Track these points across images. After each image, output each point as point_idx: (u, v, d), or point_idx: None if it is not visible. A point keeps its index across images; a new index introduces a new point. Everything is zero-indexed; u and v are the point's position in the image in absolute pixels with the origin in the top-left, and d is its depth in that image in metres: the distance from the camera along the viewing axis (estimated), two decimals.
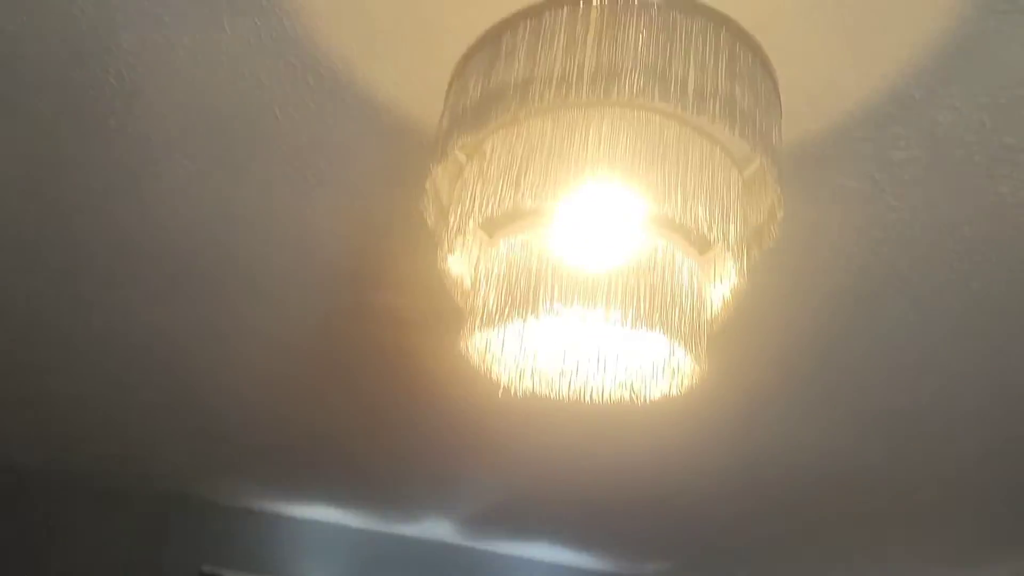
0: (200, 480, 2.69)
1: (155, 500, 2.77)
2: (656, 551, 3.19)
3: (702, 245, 0.87)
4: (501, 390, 0.89)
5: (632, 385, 0.89)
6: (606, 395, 0.89)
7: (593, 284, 0.84)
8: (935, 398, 1.86)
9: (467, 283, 0.90)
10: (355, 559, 2.95)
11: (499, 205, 0.79)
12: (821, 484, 2.36)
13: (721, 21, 0.82)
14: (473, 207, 0.79)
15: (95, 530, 2.68)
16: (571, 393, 0.89)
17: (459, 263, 0.88)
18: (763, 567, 3.19)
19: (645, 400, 0.89)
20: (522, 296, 0.83)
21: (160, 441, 2.44)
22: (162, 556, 2.74)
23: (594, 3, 0.80)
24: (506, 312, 0.82)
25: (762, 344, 1.70)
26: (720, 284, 0.89)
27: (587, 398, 0.89)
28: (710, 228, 0.80)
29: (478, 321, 0.84)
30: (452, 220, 0.82)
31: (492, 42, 0.82)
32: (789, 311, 1.59)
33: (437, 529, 3.00)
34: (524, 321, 0.85)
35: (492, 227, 0.86)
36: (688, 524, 2.83)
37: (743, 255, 0.83)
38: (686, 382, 0.89)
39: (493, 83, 0.79)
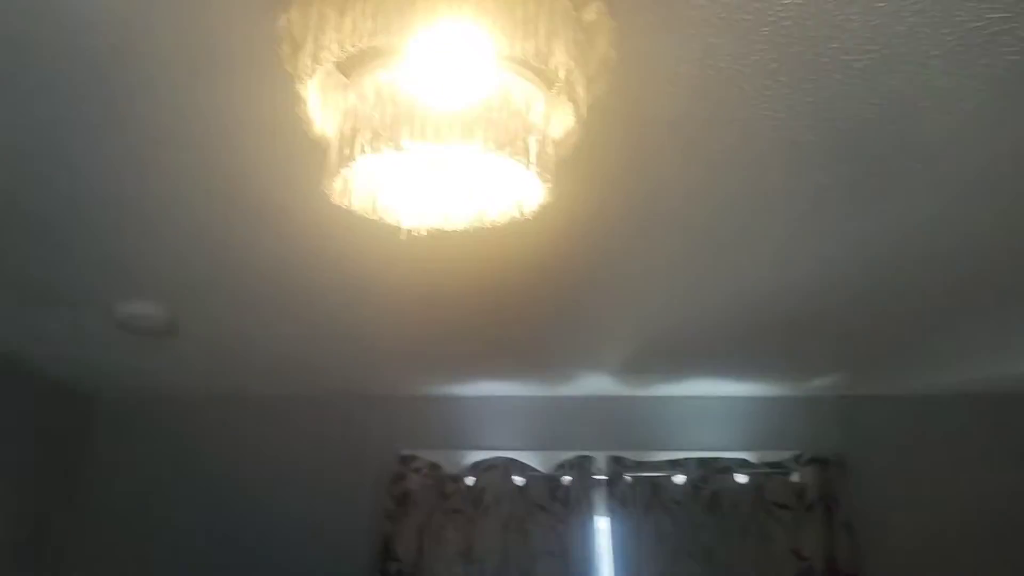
0: (388, 379, 3.23)
1: (356, 400, 3.38)
2: (821, 365, 3.04)
3: (548, 80, 0.93)
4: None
5: (484, 213, 0.93)
6: (462, 223, 0.93)
7: (448, 118, 0.90)
8: None
9: (324, 121, 0.95)
10: (529, 424, 3.35)
11: (353, 41, 0.87)
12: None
13: None
14: (327, 42, 0.87)
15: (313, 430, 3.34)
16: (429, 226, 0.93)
17: (315, 101, 0.94)
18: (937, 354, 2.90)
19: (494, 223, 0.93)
20: (382, 131, 0.89)
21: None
22: (366, 445, 3.29)
23: None
24: (367, 146, 0.89)
25: None
26: (566, 114, 0.95)
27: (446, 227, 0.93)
28: (554, 65, 0.87)
29: (339, 158, 0.90)
30: (306, 55, 0.89)
31: None
32: None
33: (596, 385, 3.24)
34: (383, 153, 0.90)
35: (347, 67, 0.94)
36: (849, 332, 2.66)
37: (583, 88, 0.90)
38: (534, 205, 0.93)
39: None
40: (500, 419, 3.39)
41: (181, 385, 3.29)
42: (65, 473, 3.25)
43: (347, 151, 0.90)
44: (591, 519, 3.08)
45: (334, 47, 0.88)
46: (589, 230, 1.93)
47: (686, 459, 3.11)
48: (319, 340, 2.79)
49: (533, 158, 0.89)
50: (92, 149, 1.62)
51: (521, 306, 2.48)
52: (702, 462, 3.09)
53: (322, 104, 0.95)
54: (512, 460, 3.17)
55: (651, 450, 3.21)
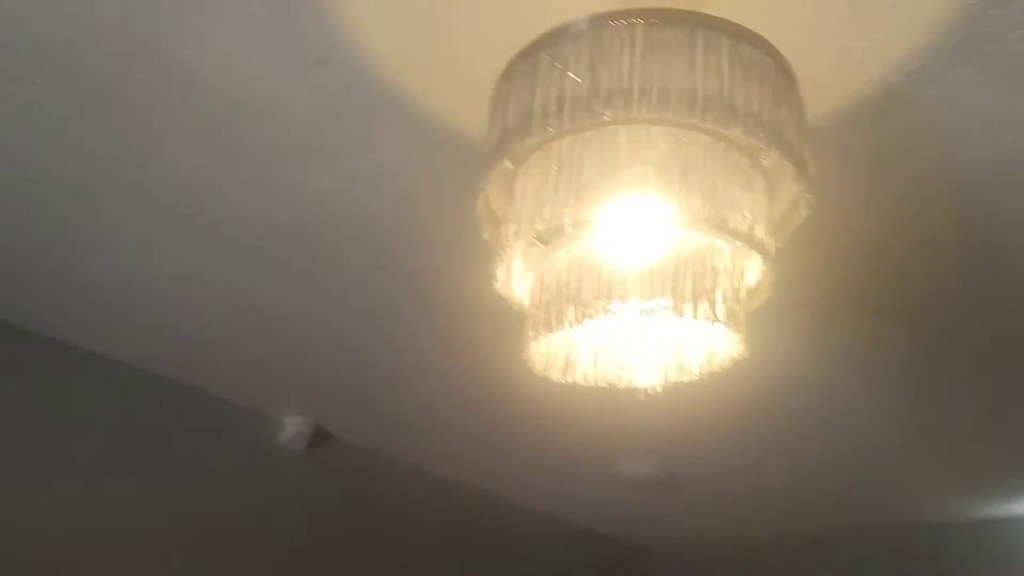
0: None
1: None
2: None
3: (733, 232, 0.92)
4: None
5: (679, 368, 0.95)
6: (654, 381, 0.96)
7: (639, 279, 0.94)
8: None
9: (523, 292, 1.02)
10: None
11: (548, 221, 0.94)
12: None
13: (731, 31, 0.91)
14: (522, 225, 0.94)
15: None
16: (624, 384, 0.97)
17: (516, 274, 1.02)
18: None
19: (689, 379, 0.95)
20: (577, 299, 0.95)
21: None
22: None
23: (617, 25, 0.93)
24: (565, 318, 0.94)
25: None
26: (753, 270, 0.94)
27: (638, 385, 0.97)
28: (733, 226, 0.88)
29: (539, 328, 0.96)
30: (506, 237, 0.97)
31: (530, 61, 0.93)
32: None
33: None
34: (581, 324, 0.95)
35: (543, 238, 1.00)
36: None
37: (767, 245, 0.89)
38: (727, 359, 0.93)
39: (534, 102, 0.90)
40: None
41: (703, 531, 3.63)
42: None
43: (545, 321, 0.96)
44: None
45: (535, 222, 0.94)
46: None
47: None
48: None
49: (720, 313, 0.90)
50: None
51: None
52: None
53: (522, 275, 1.02)
54: None
55: None
